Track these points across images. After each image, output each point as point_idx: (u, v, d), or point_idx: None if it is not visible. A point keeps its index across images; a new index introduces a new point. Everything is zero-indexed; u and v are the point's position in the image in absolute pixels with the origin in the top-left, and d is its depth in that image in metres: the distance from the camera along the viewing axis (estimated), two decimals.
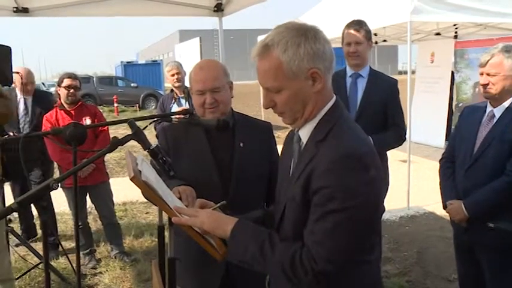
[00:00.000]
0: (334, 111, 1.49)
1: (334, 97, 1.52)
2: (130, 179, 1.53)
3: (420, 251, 4.69)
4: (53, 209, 4.95)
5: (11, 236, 3.99)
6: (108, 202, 4.68)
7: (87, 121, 4.40)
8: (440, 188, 2.95)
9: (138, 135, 1.63)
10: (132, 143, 1.73)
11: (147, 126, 1.97)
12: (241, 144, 2.19)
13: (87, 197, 4.63)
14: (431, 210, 5.87)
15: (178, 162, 2.07)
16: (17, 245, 4.72)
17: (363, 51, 3.30)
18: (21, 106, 4.74)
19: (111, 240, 4.80)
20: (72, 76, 4.42)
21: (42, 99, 4.87)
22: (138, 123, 1.73)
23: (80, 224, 4.50)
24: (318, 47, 1.40)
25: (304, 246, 1.41)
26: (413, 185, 6.28)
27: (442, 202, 2.89)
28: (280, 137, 4.13)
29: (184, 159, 2.11)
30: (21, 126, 4.74)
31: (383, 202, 1.64)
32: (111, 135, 2.96)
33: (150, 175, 1.62)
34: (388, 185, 3.38)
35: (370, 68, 3.42)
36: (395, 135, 3.37)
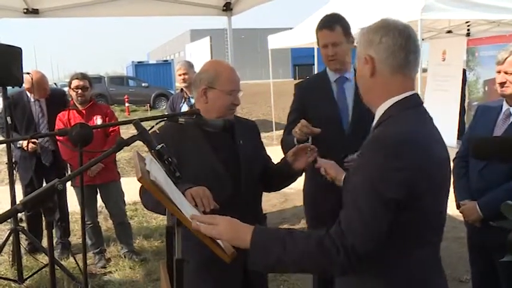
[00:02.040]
0: (402, 103, 1.53)
1: (410, 92, 1.55)
2: (138, 179, 1.52)
3: None
4: (67, 208, 4.99)
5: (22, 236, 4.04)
6: (118, 201, 4.70)
7: (98, 121, 4.42)
8: (454, 188, 2.90)
9: (143, 135, 1.63)
10: (141, 143, 1.72)
11: (153, 126, 1.96)
12: (241, 142, 2.28)
13: (98, 196, 4.66)
14: None
15: (181, 164, 2.07)
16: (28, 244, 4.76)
17: (343, 51, 2.77)
18: (36, 109, 4.74)
19: (121, 239, 4.82)
20: (79, 77, 4.42)
21: (56, 99, 4.89)
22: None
23: (89, 222, 4.57)
24: (372, 37, 1.56)
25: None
26: None
27: (456, 202, 2.85)
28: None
29: (187, 161, 2.10)
30: (40, 128, 4.76)
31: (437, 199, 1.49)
32: (123, 135, 2.98)
33: (159, 175, 1.61)
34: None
35: (355, 69, 2.94)
36: None
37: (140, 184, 1.57)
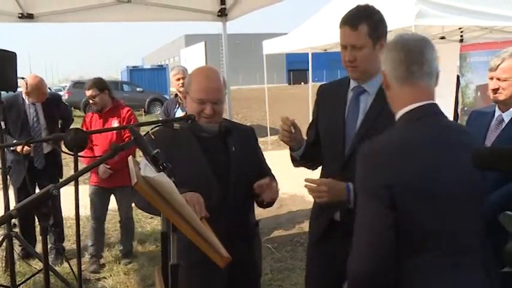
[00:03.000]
0: (410, 113, 1.65)
1: (422, 102, 1.63)
2: (134, 185, 1.52)
3: None
4: (61, 213, 4.98)
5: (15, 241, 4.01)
6: (129, 205, 4.77)
7: (115, 123, 4.53)
8: None
9: (138, 141, 1.63)
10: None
11: (148, 132, 1.97)
12: (234, 148, 2.25)
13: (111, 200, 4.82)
14: None
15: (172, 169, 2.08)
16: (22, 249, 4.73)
17: (364, 58, 2.12)
18: (32, 112, 4.73)
19: (121, 239, 4.95)
20: (89, 86, 4.58)
21: (52, 103, 4.89)
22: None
23: (94, 223, 4.73)
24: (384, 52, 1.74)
25: None
26: None
27: None
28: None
29: (178, 166, 2.11)
30: (35, 132, 4.73)
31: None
32: None
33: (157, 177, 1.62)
34: None
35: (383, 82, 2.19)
36: None
37: None
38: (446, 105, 9.38)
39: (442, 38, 8.96)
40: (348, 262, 1.55)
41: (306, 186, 2.03)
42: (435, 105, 1.64)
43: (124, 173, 4.45)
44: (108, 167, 4.48)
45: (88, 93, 4.55)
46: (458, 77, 9.49)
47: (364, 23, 2.09)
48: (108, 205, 4.82)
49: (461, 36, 9.17)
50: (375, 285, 1.51)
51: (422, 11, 5.83)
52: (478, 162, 1.46)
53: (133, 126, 1.66)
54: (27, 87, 4.55)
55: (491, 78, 2.63)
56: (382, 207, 1.49)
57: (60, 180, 5.01)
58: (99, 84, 4.56)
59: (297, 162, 2.40)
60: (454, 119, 9.32)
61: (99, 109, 4.57)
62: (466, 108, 8.98)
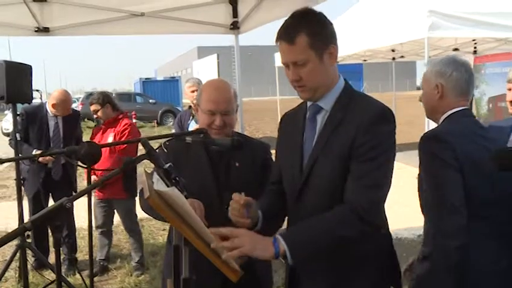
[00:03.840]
0: (456, 114, 2.11)
1: (462, 107, 2.13)
2: (146, 199, 1.52)
3: None
4: (74, 224, 5.01)
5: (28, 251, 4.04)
6: (126, 217, 4.85)
7: (111, 136, 4.63)
8: None
9: (151, 154, 1.64)
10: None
11: (160, 145, 1.98)
12: (237, 164, 2.23)
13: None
14: None
15: None
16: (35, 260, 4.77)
17: (311, 75, 1.74)
18: (53, 124, 4.83)
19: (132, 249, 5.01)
20: (92, 101, 4.77)
21: (72, 118, 4.99)
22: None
23: (101, 229, 4.86)
24: (444, 70, 2.17)
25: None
26: None
27: None
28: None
29: (185, 178, 2.10)
30: (53, 143, 4.82)
31: None
32: None
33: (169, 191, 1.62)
34: None
35: (342, 92, 1.82)
36: (341, 216, 1.69)
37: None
38: None
39: (456, 49, 8.91)
40: (429, 237, 2.04)
41: (212, 246, 1.60)
42: (469, 109, 2.14)
43: (118, 186, 4.55)
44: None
45: (91, 108, 4.73)
46: None
47: (302, 32, 1.70)
48: (111, 215, 4.92)
49: (475, 47, 9.12)
50: (465, 248, 1.89)
51: (436, 23, 5.81)
52: (499, 163, 1.81)
53: (146, 139, 1.67)
54: (55, 100, 4.69)
55: (510, 90, 2.61)
56: (458, 175, 1.92)
57: (73, 191, 5.06)
58: (101, 99, 4.70)
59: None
60: None
61: (103, 122, 4.76)
62: (480, 120, 8.91)
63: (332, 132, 1.74)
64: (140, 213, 5.79)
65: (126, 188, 4.64)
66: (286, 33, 1.74)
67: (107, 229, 4.91)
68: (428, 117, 2.26)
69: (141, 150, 1.77)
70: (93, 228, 5.10)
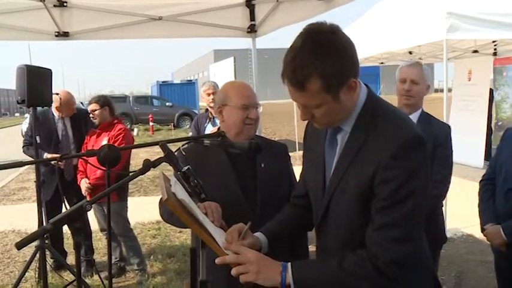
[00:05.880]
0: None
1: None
2: (164, 202, 1.53)
3: (458, 276, 4.53)
4: (90, 226, 5.06)
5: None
6: (119, 221, 4.72)
7: (105, 140, 4.58)
8: (479, 211, 2.85)
9: (170, 157, 1.65)
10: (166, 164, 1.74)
11: (179, 148, 1.99)
12: (263, 165, 2.25)
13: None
14: (470, 233, 5.67)
15: None
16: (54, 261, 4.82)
17: (326, 114, 1.51)
18: (60, 126, 4.91)
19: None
20: (92, 100, 4.74)
21: (80, 118, 5.04)
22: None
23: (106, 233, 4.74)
24: None
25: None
26: (451, 206, 6.08)
27: (480, 225, 2.80)
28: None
29: (207, 182, 2.12)
30: (62, 145, 4.88)
31: None
32: (147, 154, 2.93)
33: (184, 197, 1.63)
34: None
35: (363, 108, 1.56)
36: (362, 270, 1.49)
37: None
38: (476, 120, 9.18)
39: (475, 51, 8.78)
40: None
41: (217, 261, 1.58)
42: None
43: (97, 190, 4.47)
44: (88, 182, 4.55)
45: (90, 107, 4.69)
46: (491, 90, 9.27)
47: (314, 75, 1.39)
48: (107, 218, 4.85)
49: (495, 49, 8.97)
50: None
51: (454, 25, 5.74)
52: None
53: (165, 142, 1.68)
54: (60, 102, 4.71)
55: None
56: None
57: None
58: (101, 100, 4.69)
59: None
60: (487, 133, 9.10)
61: (98, 124, 4.69)
62: (500, 123, 8.77)
63: (352, 160, 1.51)
64: (154, 216, 5.84)
65: (116, 189, 4.62)
66: (293, 76, 1.41)
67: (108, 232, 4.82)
68: None
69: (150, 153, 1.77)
70: (99, 231, 5.17)
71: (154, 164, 1.62)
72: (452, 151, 2.94)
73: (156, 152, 12.27)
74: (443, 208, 3.35)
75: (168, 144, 1.71)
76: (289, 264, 1.53)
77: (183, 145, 2.04)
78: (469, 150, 9.14)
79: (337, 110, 1.49)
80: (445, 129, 2.95)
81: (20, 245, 1.41)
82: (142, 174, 1.61)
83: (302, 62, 1.39)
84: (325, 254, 1.71)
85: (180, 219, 1.57)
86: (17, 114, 67.82)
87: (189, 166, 1.69)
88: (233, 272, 1.54)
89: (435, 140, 2.82)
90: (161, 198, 1.94)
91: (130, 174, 1.63)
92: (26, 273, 4.29)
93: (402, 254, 1.44)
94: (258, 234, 1.80)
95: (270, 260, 1.57)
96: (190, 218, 1.58)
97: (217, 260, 1.57)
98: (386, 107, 1.57)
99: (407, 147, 1.42)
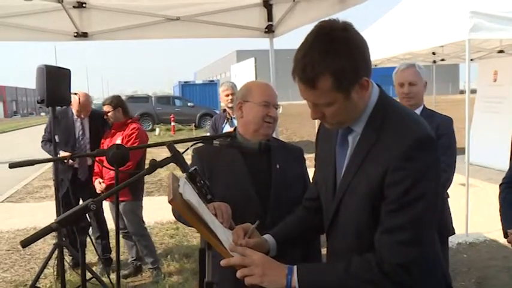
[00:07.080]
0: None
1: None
2: (169, 202, 1.52)
3: (479, 282, 4.41)
4: (106, 225, 5.11)
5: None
6: (128, 220, 4.75)
7: (119, 139, 4.65)
8: (500, 215, 2.76)
9: (176, 158, 1.64)
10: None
11: (188, 148, 1.97)
12: (278, 166, 2.23)
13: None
14: (492, 238, 5.53)
15: (213, 184, 2.07)
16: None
17: (337, 114, 1.49)
18: (78, 126, 5.01)
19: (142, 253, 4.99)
20: (105, 102, 4.82)
21: (97, 119, 5.10)
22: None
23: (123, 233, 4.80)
24: None
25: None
26: (473, 210, 5.96)
27: (503, 230, 2.70)
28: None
29: (219, 182, 2.10)
30: (80, 144, 4.97)
31: None
32: (158, 154, 2.96)
33: (192, 198, 1.61)
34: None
35: (374, 108, 1.52)
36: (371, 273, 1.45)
37: None
38: (502, 121, 8.96)
39: (501, 51, 8.57)
40: None
41: (222, 263, 1.57)
42: None
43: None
44: (101, 182, 4.61)
45: (104, 108, 4.78)
46: None
47: (326, 73, 1.37)
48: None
49: None
50: None
51: (478, 24, 5.62)
52: None
53: (172, 142, 1.67)
54: (79, 103, 4.82)
55: None
56: None
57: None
58: (113, 102, 4.75)
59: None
60: None
61: (111, 124, 4.79)
62: None
63: (362, 162, 1.47)
64: (172, 216, 5.89)
65: (130, 188, 4.65)
66: (304, 74, 1.39)
67: (127, 230, 4.85)
68: None
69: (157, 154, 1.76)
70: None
71: (161, 164, 1.61)
72: (455, 140, 3.14)
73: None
74: (465, 211, 3.33)
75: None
76: (295, 267, 1.50)
77: (192, 145, 2.03)
78: (493, 153, 8.94)
79: (348, 109, 1.46)
80: (447, 120, 3.18)
81: (25, 243, 1.41)
82: (149, 174, 1.60)
83: (313, 59, 1.37)
84: (334, 257, 1.67)
85: (185, 218, 1.55)
86: (42, 114, 69.24)
87: (195, 167, 1.68)
88: (238, 274, 1.52)
89: (437, 130, 3.01)
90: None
91: (136, 175, 1.62)
92: (46, 270, 4.35)
93: (410, 258, 1.39)
94: (266, 236, 1.78)
95: (276, 262, 1.54)
96: (196, 219, 1.57)
97: (222, 262, 1.55)
98: (398, 107, 1.54)
99: (417, 148, 1.37)
